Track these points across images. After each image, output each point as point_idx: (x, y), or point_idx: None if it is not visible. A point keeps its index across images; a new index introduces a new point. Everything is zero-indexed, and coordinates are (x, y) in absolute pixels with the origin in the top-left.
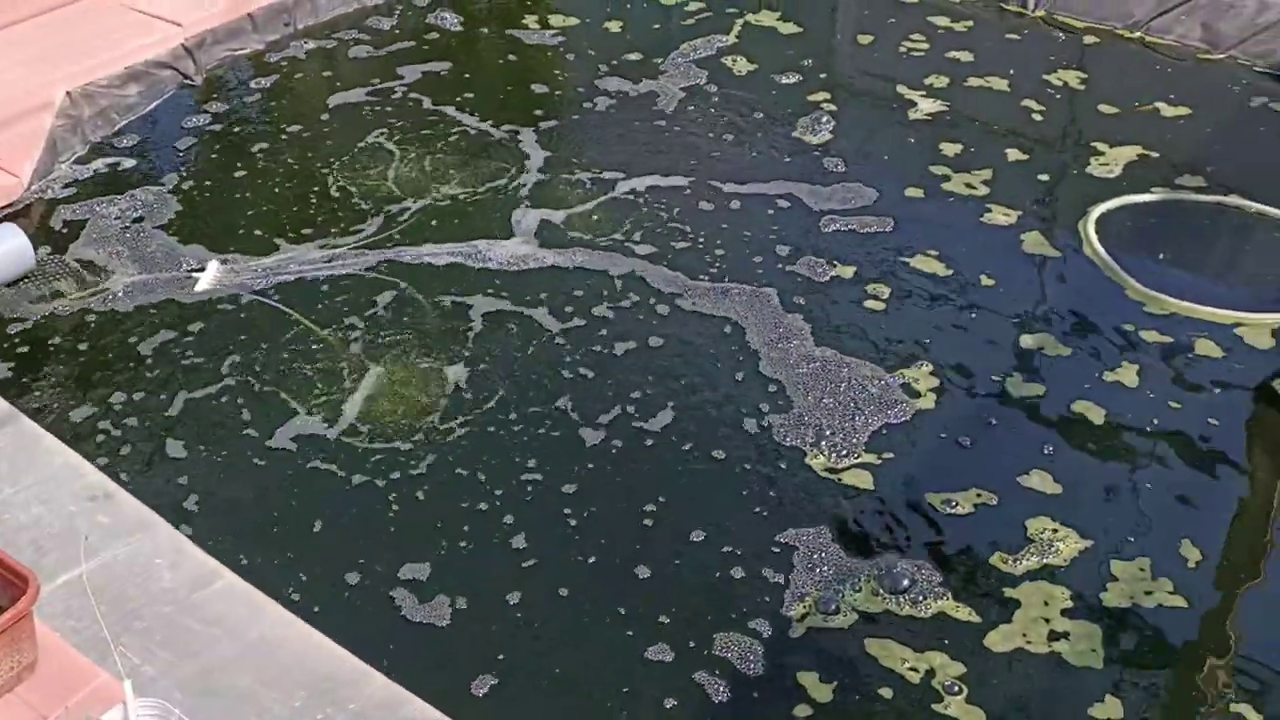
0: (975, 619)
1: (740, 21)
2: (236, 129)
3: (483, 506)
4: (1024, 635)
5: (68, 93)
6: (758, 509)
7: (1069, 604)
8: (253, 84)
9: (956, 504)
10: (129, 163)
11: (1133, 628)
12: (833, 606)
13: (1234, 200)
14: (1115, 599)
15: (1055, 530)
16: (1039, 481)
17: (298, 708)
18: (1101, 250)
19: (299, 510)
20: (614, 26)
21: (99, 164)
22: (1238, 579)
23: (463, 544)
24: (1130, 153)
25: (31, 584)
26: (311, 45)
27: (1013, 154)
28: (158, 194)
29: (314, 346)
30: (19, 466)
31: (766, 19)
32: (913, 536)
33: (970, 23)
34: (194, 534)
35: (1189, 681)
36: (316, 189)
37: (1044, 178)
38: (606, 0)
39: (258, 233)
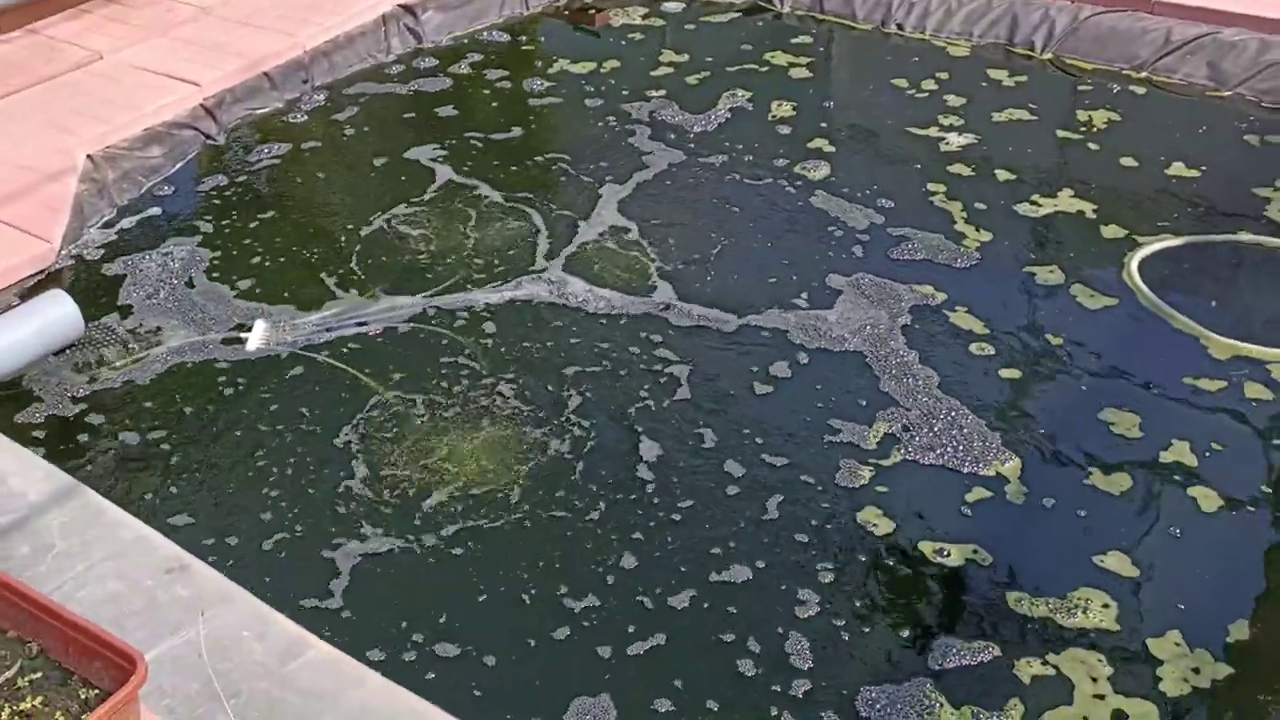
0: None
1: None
2: (265, 186)
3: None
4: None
5: (88, 156)
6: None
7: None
8: (276, 141)
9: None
10: (160, 224)
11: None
12: None
13: (1249, 237)
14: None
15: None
16: (1115, 564)
17: None
18: (1158, 299)
19: (378, 579)
20: (645, 73)
21: (129, 226)
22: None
23: (562, 613)
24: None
25: (139, 666)
26: (331, 101)
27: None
28: (192, 254)
29: (379, 406)
30: (89, 541)
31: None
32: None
33: (987, 69)
34: (275, 602)
35: None
36: (352, 242)
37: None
38: (616, 49)
39: (300, 289)
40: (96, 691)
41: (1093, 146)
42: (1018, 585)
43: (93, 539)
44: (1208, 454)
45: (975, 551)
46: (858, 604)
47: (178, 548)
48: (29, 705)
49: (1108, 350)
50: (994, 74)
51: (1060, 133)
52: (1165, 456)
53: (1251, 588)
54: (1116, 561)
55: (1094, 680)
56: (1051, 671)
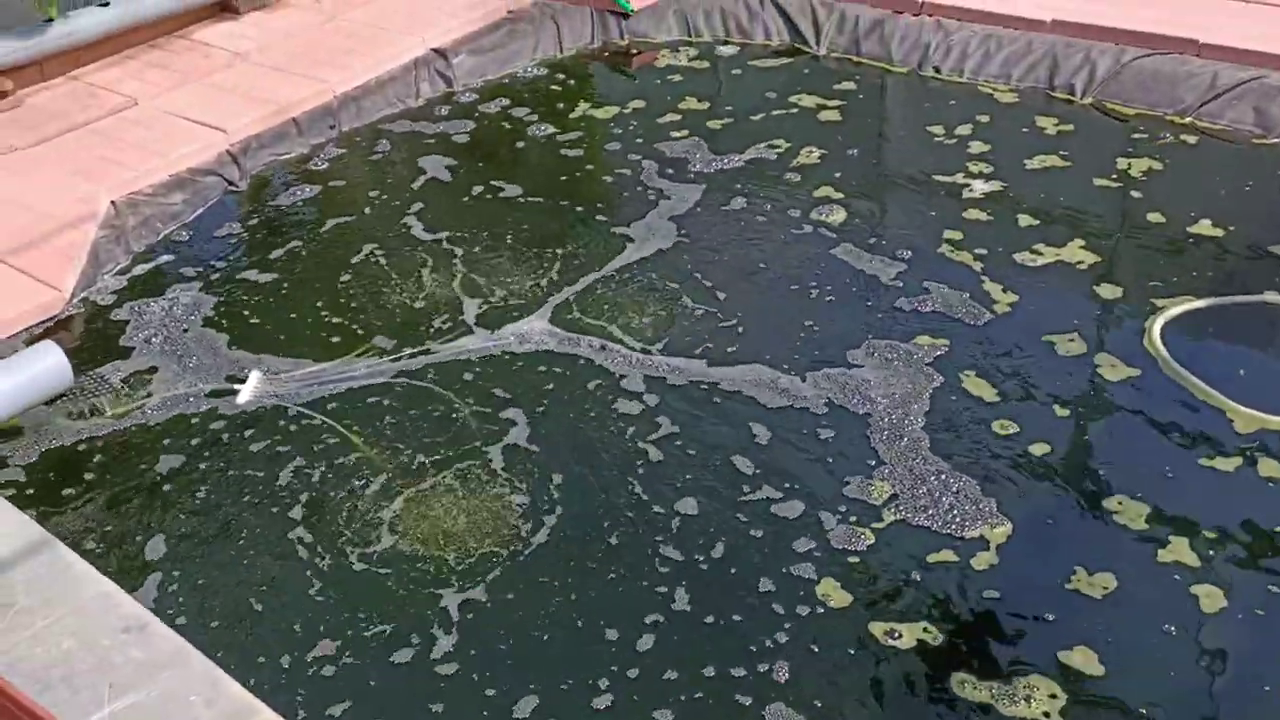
0: None
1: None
2: (282, 235)
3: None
4: None
5: (112, 203)
6: None
7: None
8: (298, 189)
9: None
10: (172, 272)
11: None
12: None
13: (1275, 298)
14: None
15: None
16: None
17: None
18: (1180, 367)
19: (344, 643)
20: (669, 116)
21: (142, 274)
22: None
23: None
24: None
25: None
26: (357, 148)
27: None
28: (200, 303)
29: (362, 467)
30: (53, 596)
31: (805, 101)
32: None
33: (1025, 113)
34: (232, 668)
35: None
36: (365, 296)
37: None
38: (646, 92)
39: (304, 343)
40: None
41: (1136, 195)
42: (969, 671)
43: (55, 595)
44: (1212, 552)
45: (926, 629)
46: (802, 697)
47: (139, 606)
48: None
49: (1123, 428)
50: (1031, 118)
51: (1098, 181)
52: (1164, 555)
53: (1235, 699)
54: (1082, 658)
55: None
56: None
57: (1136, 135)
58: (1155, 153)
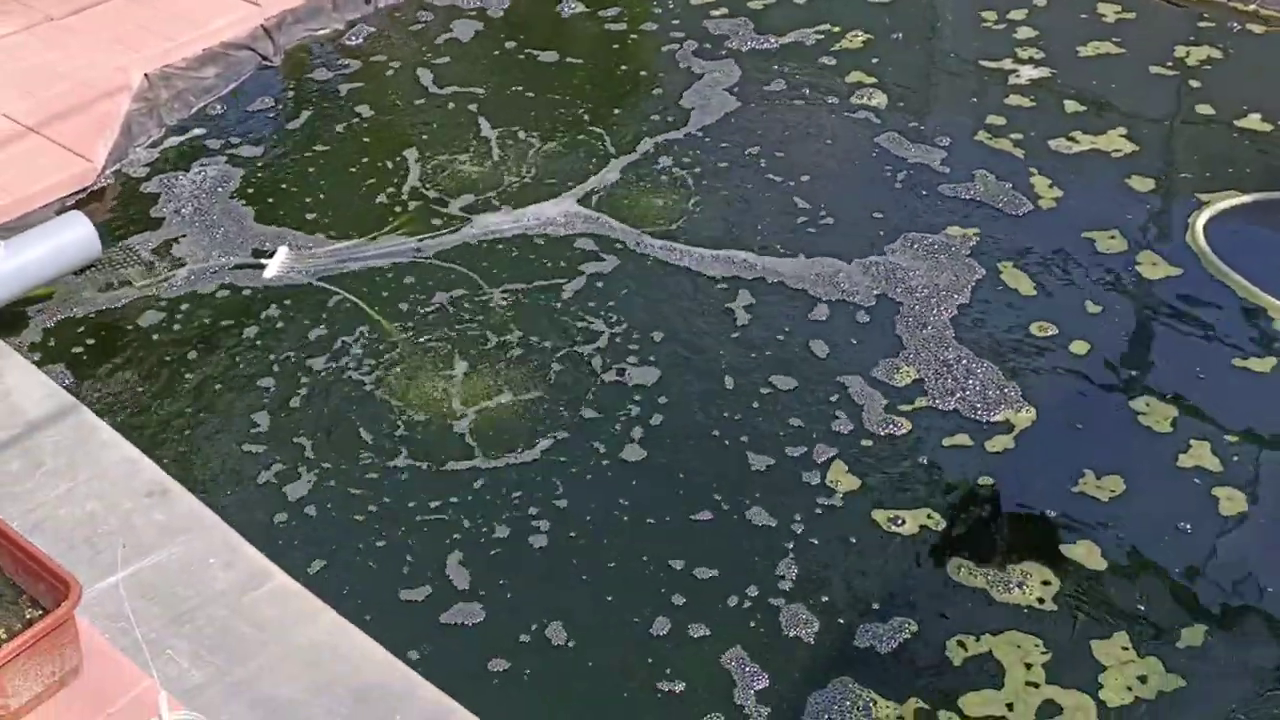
0: None
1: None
2: (315, 112)
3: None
4: None
5: (145, 75)
6: None
7: None
8: (332, 65)
9: None
10: (204, 146)
11: None
12: None
13: None
14: None
15: None
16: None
17: (345, 715)
18: (1222, 264)
19: (357, 511)
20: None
21: (174, 147)
22: None
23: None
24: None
25: (73, 589)
26: (395, 23)
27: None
28: (231, 178)
29: (383, 342)
30: (78, 461)
31: None
32: None
33: None
34: (250, 533)
35: None
36: (395, 175)
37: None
38: None
39: (332, 219)
40: (41, 612)
41: (1194, 84)
42: (967, 560)
43: (81, 459)
44: (1237, 456)
45: (930, 516)
46: (807, 584)
47: (161, 472)
48: None
49: (1159, 327)
50: (1091, 4)
51: (1152, 69)
52: (1185, 460)
53: (1235, 599)
54: (1085, 551)
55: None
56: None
57: (1200, 24)
58: (1217, 41)
